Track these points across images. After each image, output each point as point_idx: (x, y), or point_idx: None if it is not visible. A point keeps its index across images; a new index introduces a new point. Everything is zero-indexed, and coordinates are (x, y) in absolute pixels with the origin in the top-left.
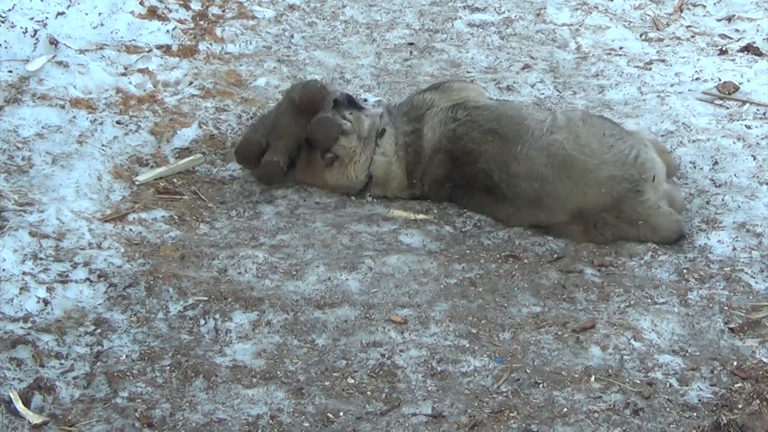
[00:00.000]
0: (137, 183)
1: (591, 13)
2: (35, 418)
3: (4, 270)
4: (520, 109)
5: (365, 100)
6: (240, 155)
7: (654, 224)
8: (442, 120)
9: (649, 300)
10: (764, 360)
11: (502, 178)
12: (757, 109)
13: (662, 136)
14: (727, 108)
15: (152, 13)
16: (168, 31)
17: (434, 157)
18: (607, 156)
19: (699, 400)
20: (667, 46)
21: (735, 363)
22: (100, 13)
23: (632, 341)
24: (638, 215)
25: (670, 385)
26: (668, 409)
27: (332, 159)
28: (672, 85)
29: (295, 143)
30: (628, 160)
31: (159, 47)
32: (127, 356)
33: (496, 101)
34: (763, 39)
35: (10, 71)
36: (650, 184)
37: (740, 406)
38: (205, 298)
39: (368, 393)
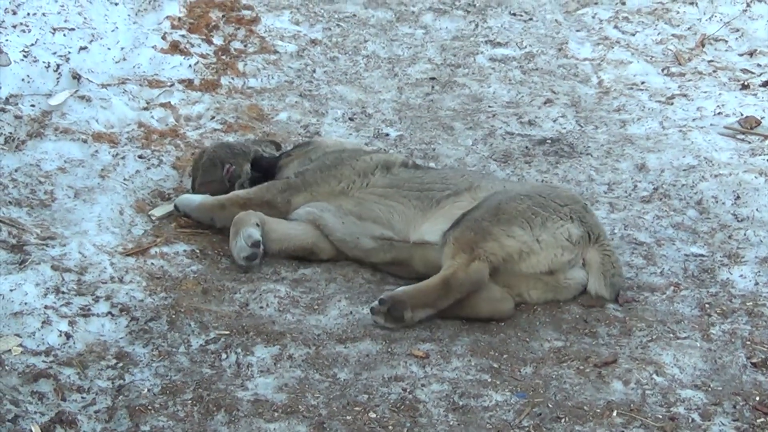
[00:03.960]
0: (153, 217)
1: (613, 47)
2: None
3: (26, 304)
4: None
5: (387, 135)
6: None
7: None
8: None
9: (671, 335)
10: None
11: None
12: None
13: (684, 170)
14: (749, 143)
15: (175, 48)
16: (190, 65)
17: None
18: None
19: None
20: (689, 80)
21: (758, 398)
22: (122, 48)
23: (654, 376)
24: None
25: (693, 420)
26: None
27: None
28: (694, 120)
29: None
30: None
31: (181, 81)
32: (148, 390)
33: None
34: None
35: (33, 105)
36: None
37: None
38: (227, 332)
39: (390, 427)
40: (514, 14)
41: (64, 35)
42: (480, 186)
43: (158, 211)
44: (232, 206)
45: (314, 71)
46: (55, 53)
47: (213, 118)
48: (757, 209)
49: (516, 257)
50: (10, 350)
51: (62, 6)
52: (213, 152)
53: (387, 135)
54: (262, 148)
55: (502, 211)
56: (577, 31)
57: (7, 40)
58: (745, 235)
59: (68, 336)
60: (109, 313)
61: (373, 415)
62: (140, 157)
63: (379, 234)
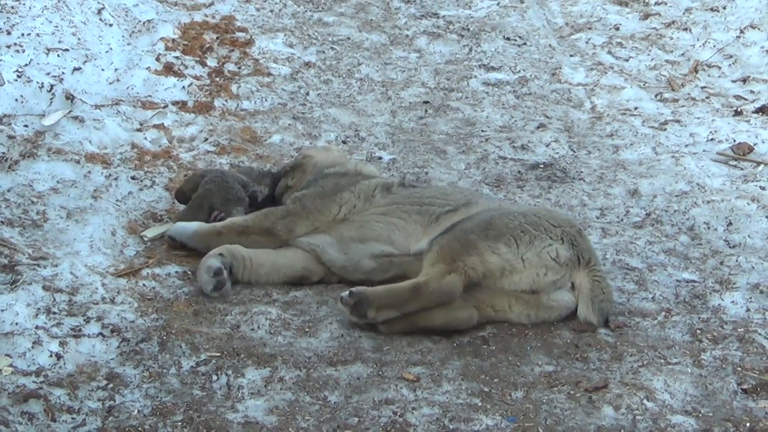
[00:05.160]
0: (145, 239)
1: (606, 73)
2: None
3: (17, 324)
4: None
5: (380, 158)
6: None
7: None
8: None
9: (662, 360)
10: None
11: None
12: None
13: (676, 196)
14: (742, 169)
15: (168, 70)
16: (184, 87)
17: None
18: None
19: None
20: (682, 106)
21: (748, 424)
22: (116, 69)
23: (645, 401)
24: None
25: None
26: None
27: None
28: (687, 146)
29: None
30: None
31: (175, 103)
32: (139, 411)
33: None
34: None
35: (26, 126)
36: None
37: None
38: (218, 354)
39: None
40: (508, 39)
41: (58, 56)
42: (478, 203)
43: (150, 233)
44: (229, 233)
45: (308, 94)
46: (48, 74)
47: (206, 140)
48: (749, 235)
49: (497, 274)
50: (0, 370)
51: (56, 27)
52: (206, 191)
53: (380, 158)
54: (261, 189)
55: (492, 227)
56: (571, 56)
57: (1, 60)
58: (737, 261)
59: (59, 356)
60: (100, 334)
61: None
62: (133, 178)
63: (379, 251)
